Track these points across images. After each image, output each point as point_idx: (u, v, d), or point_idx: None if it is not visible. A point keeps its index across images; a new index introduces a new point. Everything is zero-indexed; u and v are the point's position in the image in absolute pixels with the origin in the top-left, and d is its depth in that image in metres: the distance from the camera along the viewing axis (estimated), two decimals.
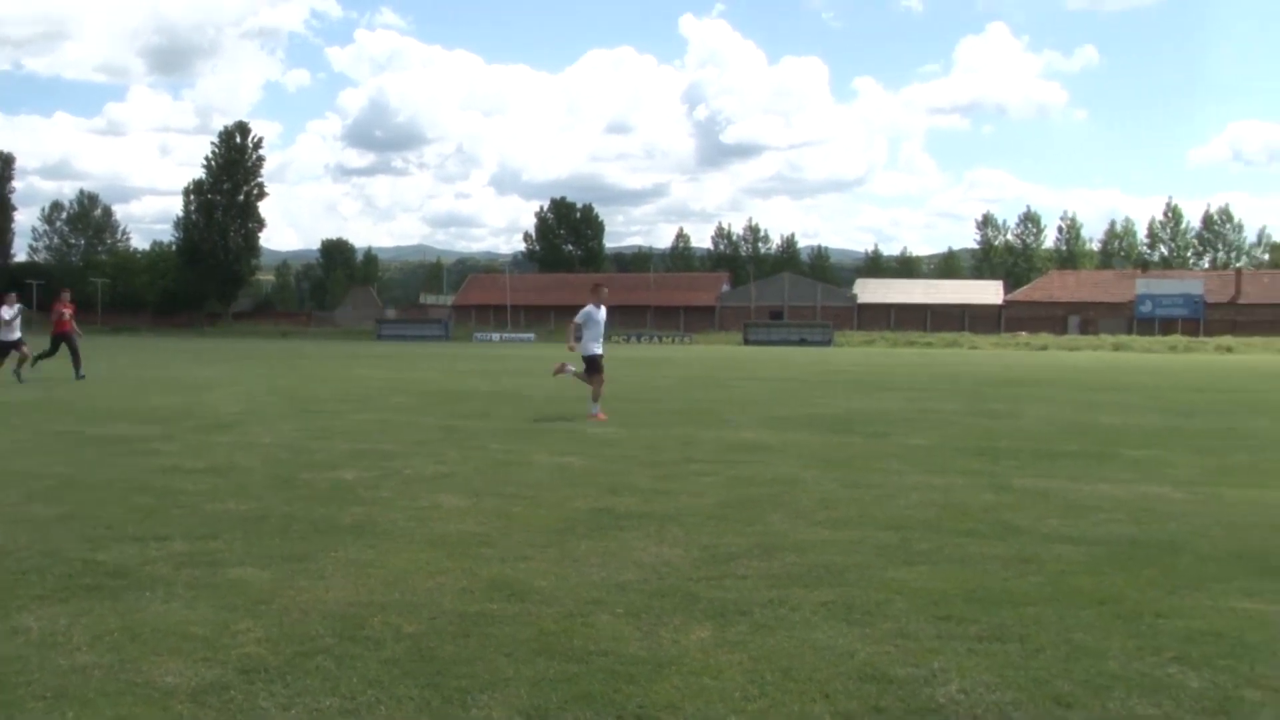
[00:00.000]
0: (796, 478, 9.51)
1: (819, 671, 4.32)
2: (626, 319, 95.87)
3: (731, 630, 4.87)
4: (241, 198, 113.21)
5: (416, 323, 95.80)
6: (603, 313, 15.61)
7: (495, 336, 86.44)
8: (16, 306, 21.92)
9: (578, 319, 15.66)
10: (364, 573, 5.87)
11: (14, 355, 21.61)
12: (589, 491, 8.65)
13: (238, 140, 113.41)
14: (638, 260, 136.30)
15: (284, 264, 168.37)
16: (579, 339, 15.76)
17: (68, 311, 23.88)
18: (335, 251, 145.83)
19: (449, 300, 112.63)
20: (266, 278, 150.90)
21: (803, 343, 74.05)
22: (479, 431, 13.17)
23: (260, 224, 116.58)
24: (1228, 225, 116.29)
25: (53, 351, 23.38)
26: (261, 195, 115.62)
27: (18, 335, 21.70)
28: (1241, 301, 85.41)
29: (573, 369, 15.98)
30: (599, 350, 15.48)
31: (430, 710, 3.91)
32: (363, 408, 16.78)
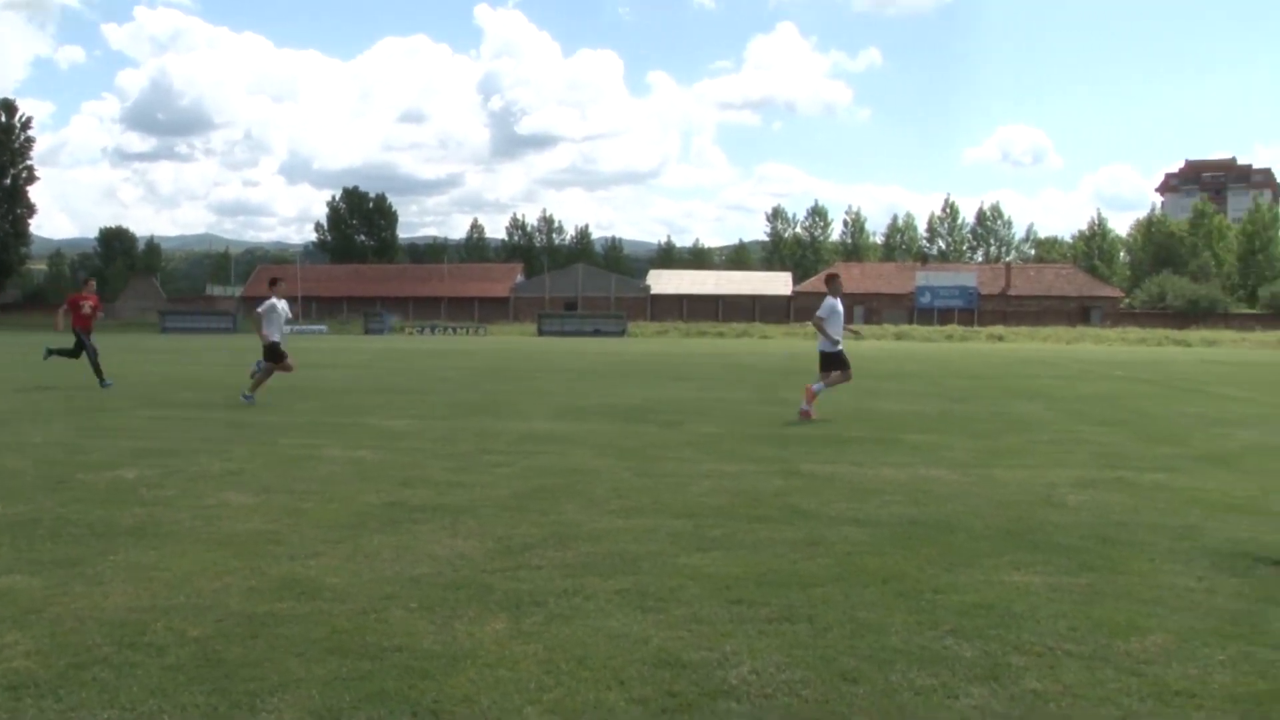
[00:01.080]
0: (591, 467, 9.58)
1: (614, 659, 4.36)
2: (420, 310, 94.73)
3: (526, 621, 4.87)
4: (9, 181, 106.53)
5: (203, 314, 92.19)
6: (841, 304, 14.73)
7: (286, 329, 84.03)
8: (284, 301, 16.87)
9: (823, 314, 14.58)
10: (145, 576, 5.63)
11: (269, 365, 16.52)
12: (382, 485, 8.52)
13: (3, 119, 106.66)
14: (432, 251, 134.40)
15: (58, 253, 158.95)
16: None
17: (89, 304, 19.72)
18: (114, 240, 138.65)
19: (237, 291, 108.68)
20: (38, 267, 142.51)
21: (597, 333, 74.52)
22: (269, 426, 12.79)
23: (30, 210, 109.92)
24: (999, 221, 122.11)
25: (76, 353, 19.40)
26: (31, 179, 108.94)
27: (279, 338, 16.65)
28: (1011, 293, 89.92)
29: (819, 386, 14.58)
30: (840, 346, 14.68)
31: (217, 716, 3.78)
32: (145, 404, 16.06)
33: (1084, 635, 4.74)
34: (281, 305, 16.60)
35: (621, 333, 75.59)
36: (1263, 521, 7.44)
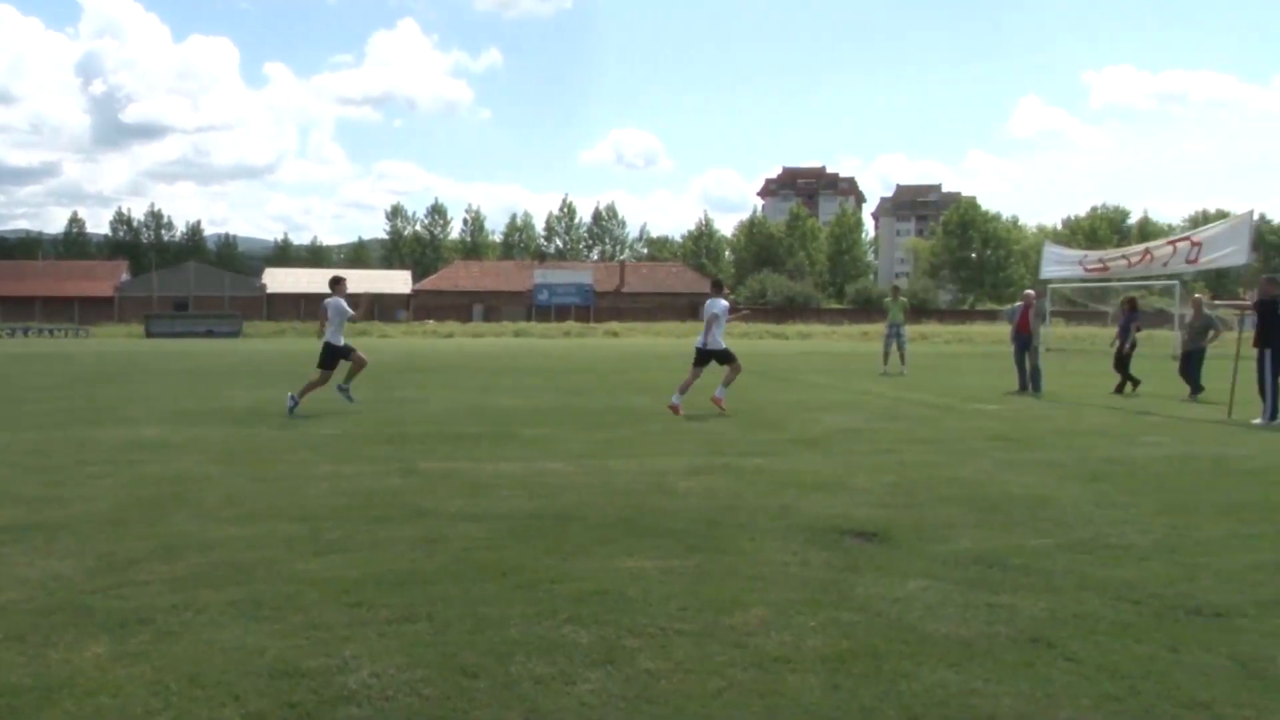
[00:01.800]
0: (201, 474, 9.15)
1: (228, 673, 4.21)
2: (11, 311, 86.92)
3: (132, 641, 4.60)
4: None
5: None
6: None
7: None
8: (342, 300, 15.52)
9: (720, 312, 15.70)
10: None
11: (345, 366, 15.48)
12: None
13: None
14: (24, 246, 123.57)
15: None
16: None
17: None
18: None
19: None
20: None
21: (210, 334, 71.01)
22: None
23: None
24: (613, 221, 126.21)
25: None
26: None
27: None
28: (625, 290, 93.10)
29: (679, 400, 14.61)
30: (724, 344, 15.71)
31: None
32: None
33: (693, 614, 5.01)
34: (342, 304, 15.42)
35: (236, 333, 72.38)
36: (848, 497, 8.15)
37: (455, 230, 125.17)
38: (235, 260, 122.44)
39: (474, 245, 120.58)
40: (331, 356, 15.25)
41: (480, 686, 4.10)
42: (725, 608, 5.11)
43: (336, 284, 15.75)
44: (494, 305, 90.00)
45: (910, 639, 4.70)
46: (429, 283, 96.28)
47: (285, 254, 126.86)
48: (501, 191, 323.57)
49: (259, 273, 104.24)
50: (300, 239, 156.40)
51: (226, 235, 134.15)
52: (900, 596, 5.36)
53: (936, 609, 5.16)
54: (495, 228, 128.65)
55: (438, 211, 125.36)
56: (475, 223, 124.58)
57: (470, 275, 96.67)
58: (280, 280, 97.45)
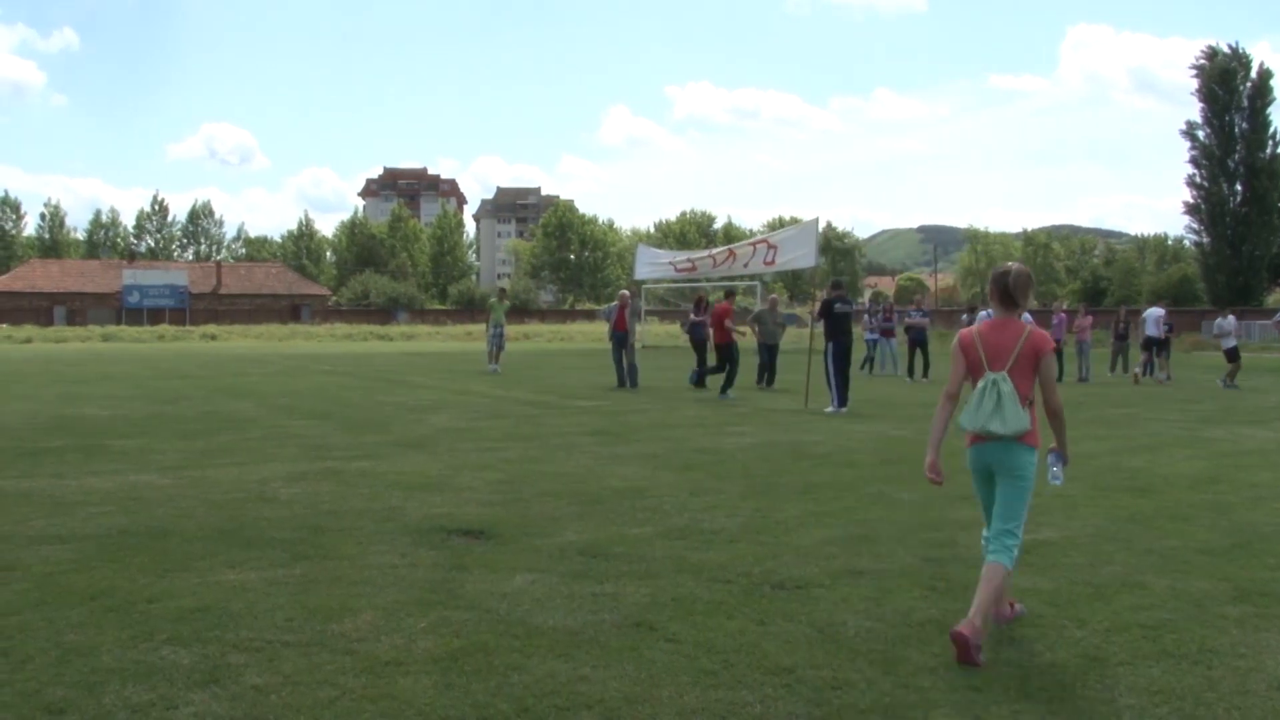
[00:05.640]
0: None
1: None
2: None
3: None
4: None
5: None
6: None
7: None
8: None
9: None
10: None
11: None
12: None
13: None
14: None
15: None
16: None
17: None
18: None
19: None
20: None
21: None
22: None
23: None
24: (210, 220, 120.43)
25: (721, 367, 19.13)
26: None
27: None
28: (223, 292, 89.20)
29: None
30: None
31: None
32: None
33: (300, 624, 4.91)
34: None
35: None
36: (453, 497, 8.24)
37: (31, 226, 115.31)
38: None
39: (53, 243, 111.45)
40: None
41: None
42: (333, 615, 5.05)
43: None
44: (78, 308, 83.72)
45: (520, 632, 4.82)
46: (1, 283, 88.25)
47: None
48: (81, 185, 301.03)
49: None
50: None
51: None
52: (508, 592, 5.48)
53: (544, 601, 5.32)
54: (78, 224, 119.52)
55: (8, 205, 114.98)
56: (55, 218, 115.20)
57: (50, 275, 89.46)
58: None
